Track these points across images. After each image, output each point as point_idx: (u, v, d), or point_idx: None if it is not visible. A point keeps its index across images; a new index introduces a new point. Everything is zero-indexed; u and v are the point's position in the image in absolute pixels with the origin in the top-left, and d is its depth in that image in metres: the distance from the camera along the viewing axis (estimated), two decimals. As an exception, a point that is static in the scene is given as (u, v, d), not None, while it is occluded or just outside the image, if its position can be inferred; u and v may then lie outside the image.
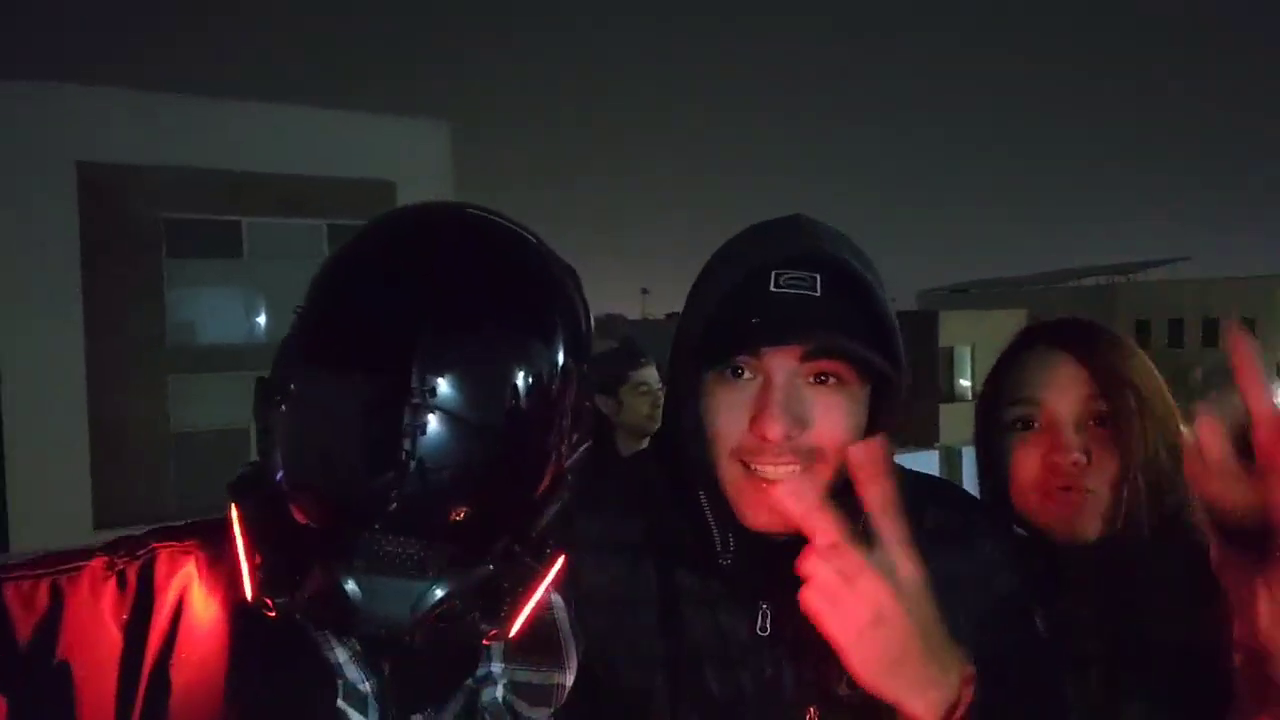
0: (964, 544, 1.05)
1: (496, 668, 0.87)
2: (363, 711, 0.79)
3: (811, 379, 0.93)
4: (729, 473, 0.95)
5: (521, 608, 0.79)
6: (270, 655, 0.77)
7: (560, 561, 0.84)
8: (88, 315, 12.25)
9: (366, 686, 0.79)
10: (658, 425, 3.08)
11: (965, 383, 27.01)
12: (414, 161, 13.80)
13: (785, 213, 1.04)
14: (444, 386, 0.72)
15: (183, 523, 0.84)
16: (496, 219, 0.84)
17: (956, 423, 22.59)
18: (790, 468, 0.93)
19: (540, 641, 0.89)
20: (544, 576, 0.81)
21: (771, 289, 0.93)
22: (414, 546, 0.73)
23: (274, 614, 0.74)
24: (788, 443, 0.92)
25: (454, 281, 0.77)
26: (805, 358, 0.92)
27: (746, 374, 0.94)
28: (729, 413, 0.94)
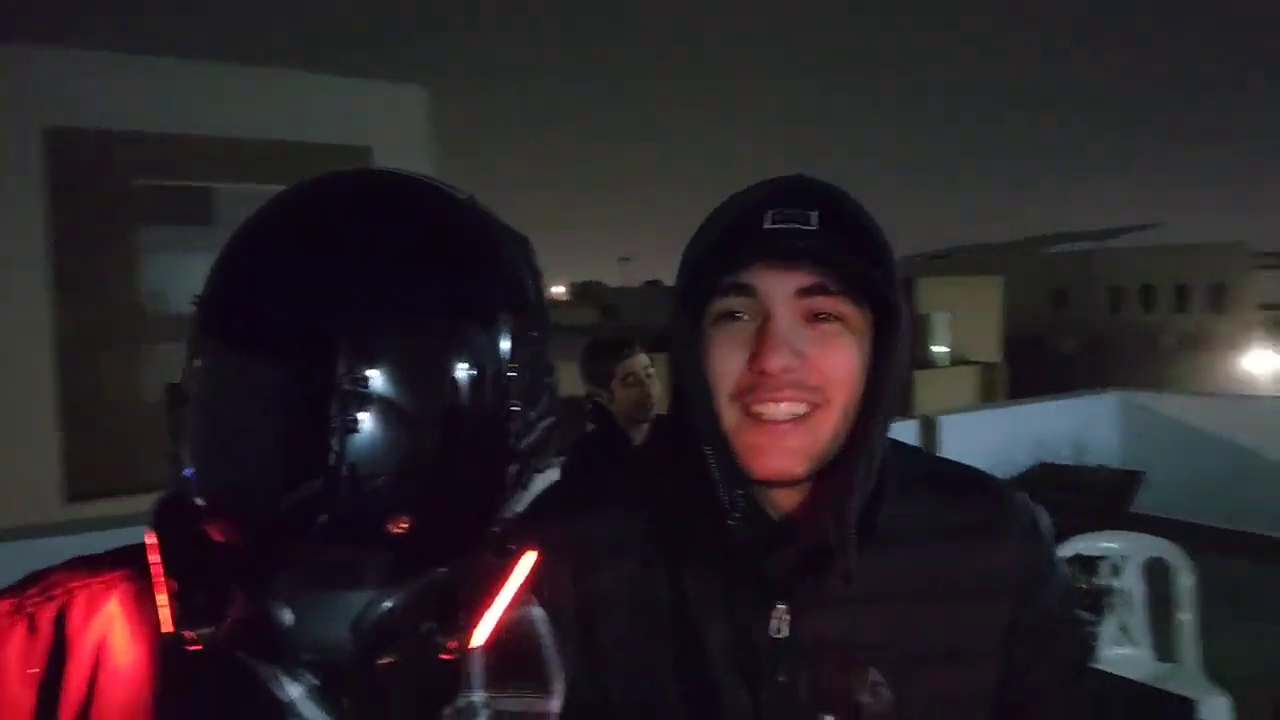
0: (995, 541, 0.97)
1: (478, 697, 0.75)
2: None
3: (811, 318, 0.90)
4: (730, 417, 0.90)
5: (482, 614, 0.71)
6: (209, 699, 0.66)
7: (530, 559, 0.76)
8: (58, 284, 12.07)
9: None
10: (652, 409, 3.30)
11: (942, 349, 27.12)
12: (391, 127, 13.65)
13: (764, 177, 1.00)
14: (376, 374, 0.62)
15: (109, 551, 0.73)
16: (430, 182, 0.74)
17: (933, 390, 22.76)
18: (792, 405, 0.89)
19: (522, 662, 0.80)
20: (507, 576, 0.73)
21: (765, 227, 0.89)
22: (349, 554, 0.65)
23: (197, 648, 0.64)
24: (788, 376, 0.88)
25: (383, 251, 0.66)
26: (802, 293, 0.89)
27: (743, 316, 0.90)
28: (727, 355, 0.90)
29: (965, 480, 1.04)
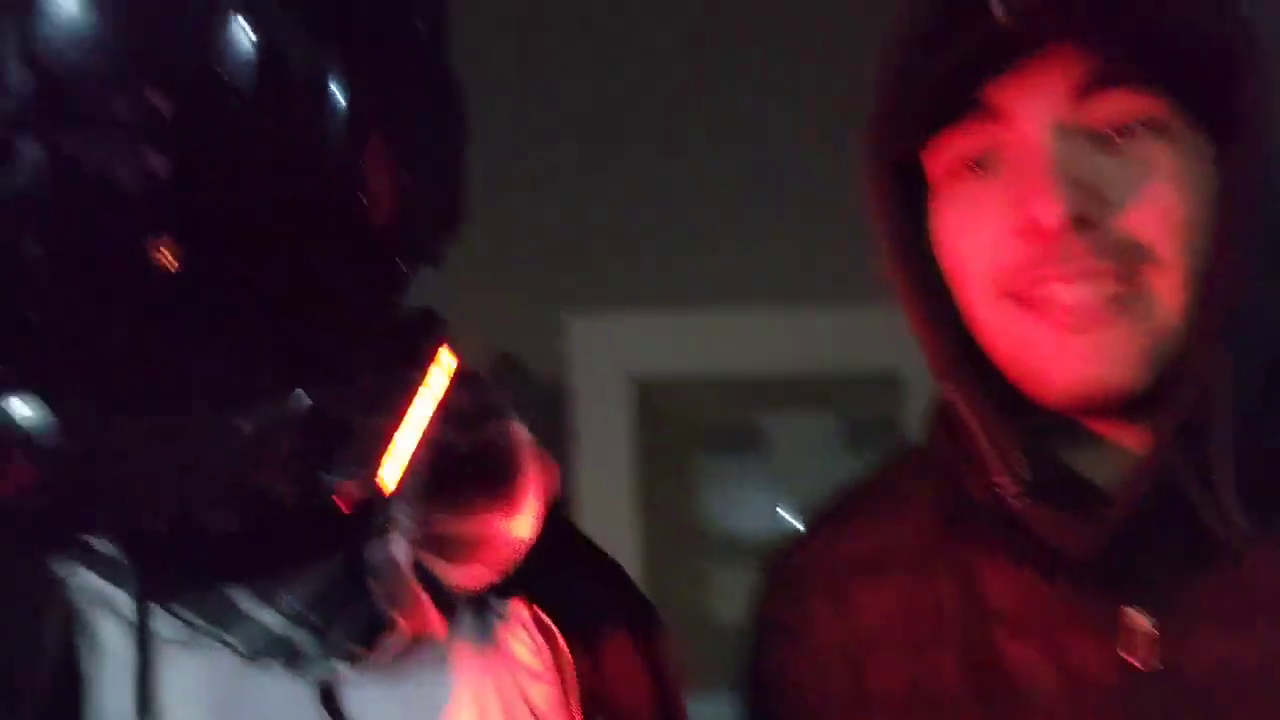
0: None
1: (403, 510, 0.50)
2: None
3: (1107, 132, 0.53)
4: (994, 321, 0.56)
5: (388, 442, 0.47)
6: None
7: (447, 360, 0.52)
8: None
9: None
10: None
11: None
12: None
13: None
14: None
15: None
16: None
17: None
18: (1100, 283, 0.53)
19: (479, 472, 0.55)
20: (418, 386, 0.49)
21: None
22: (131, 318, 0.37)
23: None
24: (1082, 232, 0.52)
25: None
26: (1081, 93, 0.53)
27: (985, 165, 0.56)
28: (971, 222, 0.56)
29: None
